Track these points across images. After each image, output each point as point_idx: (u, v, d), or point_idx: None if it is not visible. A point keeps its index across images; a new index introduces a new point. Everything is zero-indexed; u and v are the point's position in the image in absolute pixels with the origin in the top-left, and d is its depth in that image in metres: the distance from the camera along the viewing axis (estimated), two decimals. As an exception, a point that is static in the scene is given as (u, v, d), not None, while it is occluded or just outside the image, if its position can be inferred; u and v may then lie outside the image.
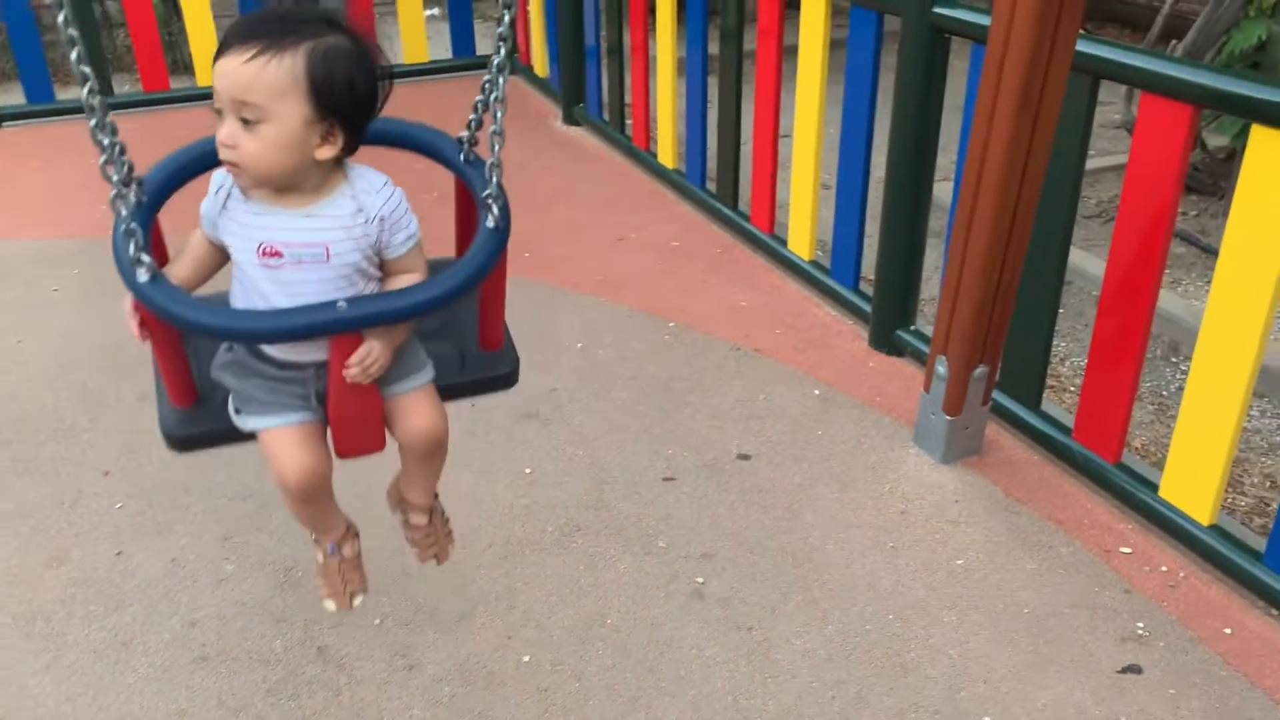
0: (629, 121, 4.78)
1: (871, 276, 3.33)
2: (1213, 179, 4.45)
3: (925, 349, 2.93)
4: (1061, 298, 2.71)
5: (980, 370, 2.60)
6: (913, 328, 3.17)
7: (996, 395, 2.78)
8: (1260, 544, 2.28)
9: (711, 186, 4.19)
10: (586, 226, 4.11)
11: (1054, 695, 2.05)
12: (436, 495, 1.89)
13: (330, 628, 2.21)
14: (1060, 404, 3.17)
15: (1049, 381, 3.23)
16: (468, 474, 2.65)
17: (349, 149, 1.51)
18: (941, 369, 2.62)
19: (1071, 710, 2.02)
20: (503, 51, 1.51)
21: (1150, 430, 3.16)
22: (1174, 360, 3.48)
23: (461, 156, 1.63)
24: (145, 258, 1.41)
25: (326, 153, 1.46)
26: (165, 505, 2.57)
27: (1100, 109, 2.53)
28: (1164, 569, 2.36)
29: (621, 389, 3.06)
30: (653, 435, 2.85)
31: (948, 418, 2.65)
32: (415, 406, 1.65)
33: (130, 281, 1.43)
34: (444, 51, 5.99)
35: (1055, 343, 3.42)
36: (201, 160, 1.56)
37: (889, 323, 3.18)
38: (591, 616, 2.25)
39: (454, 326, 1.84)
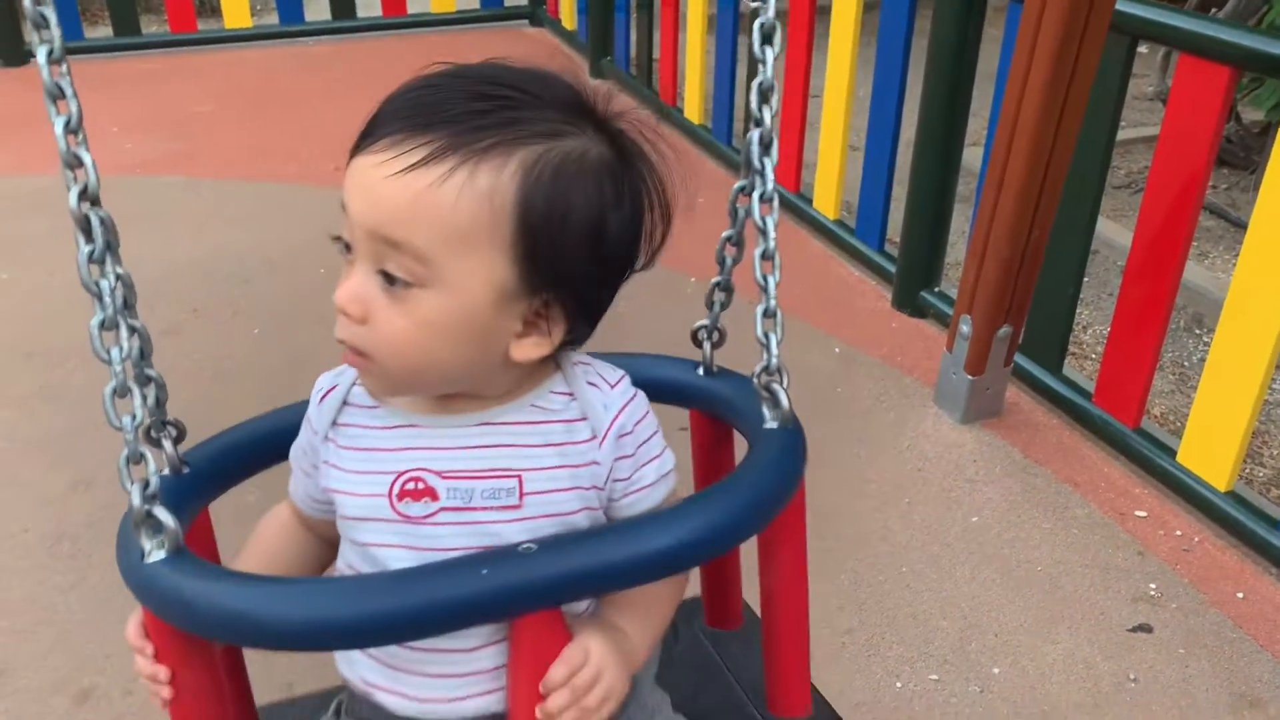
0: (656, 76, 4.76)
1: (896, 239, 3.32)
2: (1245, 152, 4.41)
3: (948, 311, 2.93)
4: (1088, 266, 2.71)
5: (1004, 331, 2.60)
6: (937, 289, 3.16)
7: (1018, 358, 2.78)
8: (1277, 512, 2.29)
9: (738, 144, 4.17)
10: (611, 180, 4.11)
11: (1064, 650, 2.07)
12: None
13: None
14: (1081, 371, 3.17)
15: (1071, 348, 3.23)
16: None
17: (571, 343, 0.92)
18: (965, 328, 2.62)
19: (1080, 665, 2.04)
20: (766, 119, 0.97)
21: (1170, 400, 3.16)
22: (1197, 332, 3.47)
23: (700, 370, 1.11)
24: (166, 519, 0.85)
25: (530, 351, 0.87)
26: (194, 432, 2.60)
27: (1134, 80, 2.52)
28: (1179, 533, 2.37)
29: (641, 343, 3.04)
30: (672, 386, 2.86)
31: (969, 377, 2.65)
32: None
33: (129, 563, 0.86)
34: (472, 1, 5.97)
35: (1079, 310, 3.40)
36: (282, 436, 1.00)
37: (913, 284, 3.18)
38: (608, 558, 2.28)
39: (714, 679, 1.21)
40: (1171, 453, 2.46)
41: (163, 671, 0.87)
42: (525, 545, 0.81)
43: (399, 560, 0.87)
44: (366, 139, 0.82)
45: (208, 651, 0.89)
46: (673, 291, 3.31)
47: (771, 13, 0.96)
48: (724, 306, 1.08)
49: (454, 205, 0.78)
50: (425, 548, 0.86)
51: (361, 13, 5.78)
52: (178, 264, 3.30)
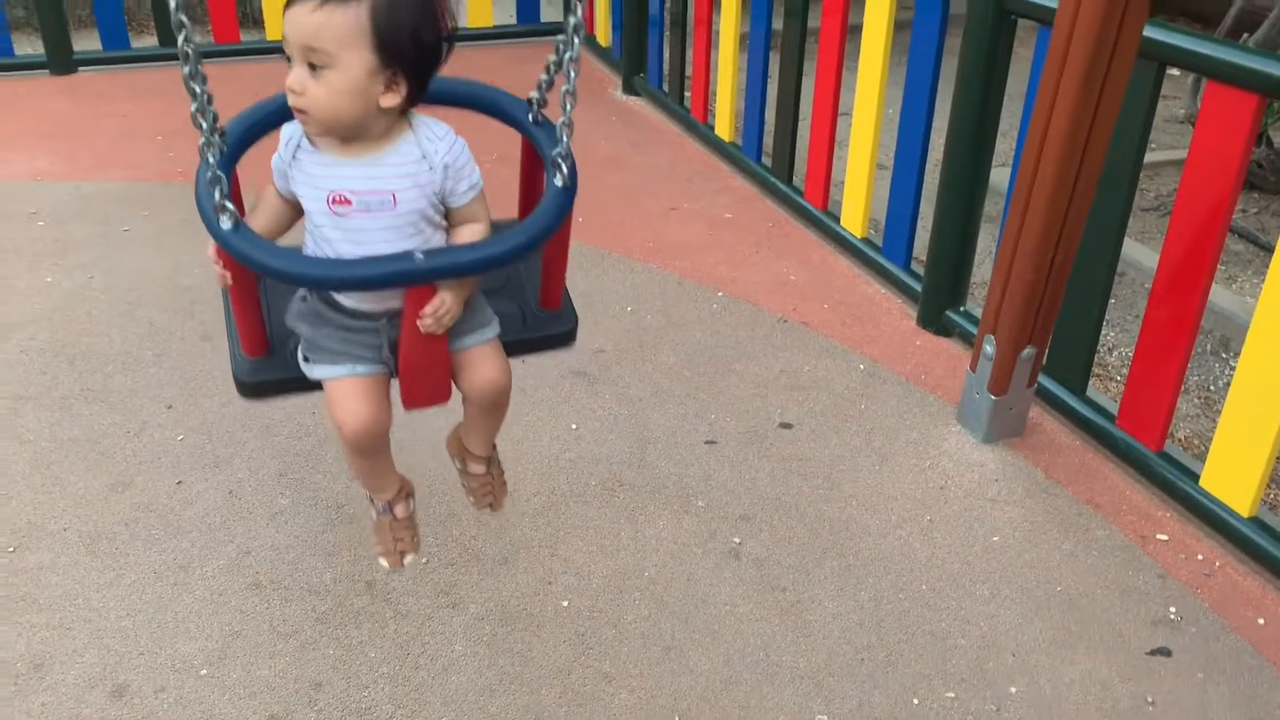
0: (688, 93, 4.81)
1: (923, 257, 3.34)
2: (1275, 177, 4.39)
3: (974, 330, 2.94)
4: (1114, 289, 2.72)
5: (1028, 351, 2.62)
6: (962, 309, 3.18)
7: (1042, 379, 2.79)
8: (1299, 538, 2.29)
9: (767, 161, 4.21)
10: (640, 195, 4.15)
11: (1082, 671, 2.08)
12: (495, 446, 1.95)
13: (378, 564, 2.29)
14: (1105, 393, 3.17)
15: (1096, 370, 3.24)
16: (516, 428, 2.71)
17: (412, 99, 1.53)
18: (989, 348, 2.64)
19: (1098, 687, 2.05)
20: (579, 11, 1.53)
21: (1195, 423, 3.15)
22: (1224, 356, 3.46)
23: (530, 117, 1.65)
24: (229, 205, 1.45)
25: (390, 101, 1.49)
26: (224, 440, 2.67)
27: (1165, 103, 2.54)
28: (1200, 557, 2.37)
29: (668, 354, 3.11)
30: (697, 400, 2.90)
31: (992, 397, 2.67)
32: (482, 359, 1.70)
33: (214, 228, 1.48)
34: (508, 17, 6.04)
35: (1105, 332, 3.42)
36: (280, 113, 1.60)
37: (938, 302, 3.20)
38: (630, 568, 2.31)
39: (516, 285, 1.88)
40: (1195, 477, 2.46)
41: (228, 275, 1.59)
42: (417, 253, 1.48)
43: (334, 234, 1.55)
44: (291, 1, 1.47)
45: (248, 272, 1.60)
46: (700, 306, 3.35)
47: None
48: (548, 87, 1.67)
49: (341, 23, 1.43)
50: (348, 229, 1.55)
51: (399, 26, 5.86)
52: (208, 271, 3.37)
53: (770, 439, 2.75)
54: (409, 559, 1.92)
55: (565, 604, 2.21)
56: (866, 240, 3.63)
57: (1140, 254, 3.83)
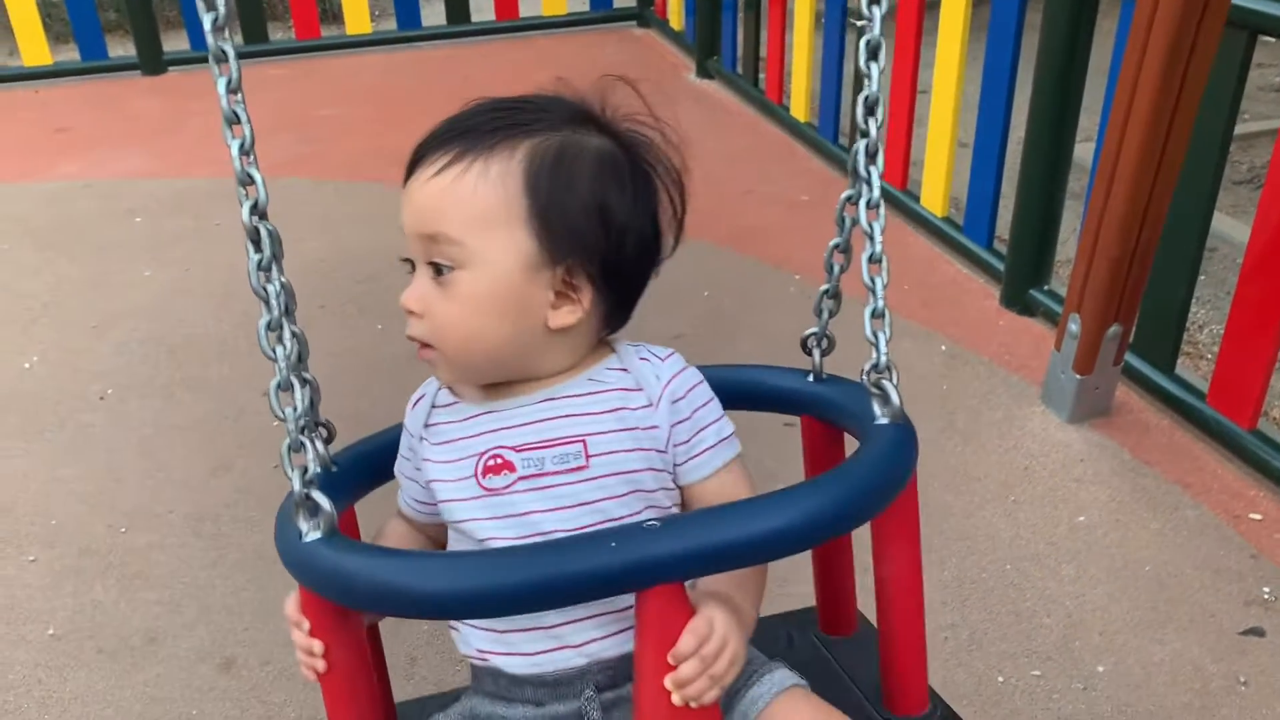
0: (763, 75, 4.80)
1: (1005, 236, 3.30)
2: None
3: (1057, 309, 2.90)
4: (1205, 264, 2.66)
5: (1114, 329, 2.58)
6: (1046, 288, 3.14)
7: (1129, 357, 2.74)
8: (1401, 517, 2.23)
9: (844, 142, 4.19)
10: (716, 179, 4.17)
11: (1171, 651, 2.06)
12: None
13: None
14: (1196, 371, 3.10)
15: (1186, 348, 3.17)
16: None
17: (614, 322, 1.02)
18: (1074, 326, 2.61)
19: (1188, 667, 2.03)
20: (873, 129, 1.03)
21: (1291, 401, 3.07)
22: (1322, 332, 3.36)
23: (810, 377, 1.16)
24: (323, 502, 0.91)
25: (565, 318, 0.97)
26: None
27: (1261, 71, 2.47)
28: (1295, 537, 2.32)
29: (746, 338, 3.12)
30: (777, 382, 2.91)
31: (1078, 376, 2.64)
32: (795, 712, 0.99)
33: (287, 544, 0.92)
34: (582, 4, 6.09)
35: (1195, 309, 3.34)
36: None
37: (1022, 281, 3.16)
38: (712, 549, 2.34)
39: (830, 681, 1.18)
40: (1290, 455, 2.41)
41: (317, 645, 0.94)
42: (650, 523, 0.85)
43: (486, 530, 0.97)
44: (410, 169, 0.99)
45: (358, 629, 0.97)
46: (778, 290, 3.36)
47: (878, 29, 1.02)
48: (832, 314, 1.14)
49: (473, 192, 0.93)
50: (506, 515, 0.96)
51: (475, 17, 5.95)
52: (305, 262, 3.49)
53: (850, 420, 2.75)
54: None
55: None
56: (947, 219, 3.60)
57: (1232, 228, 3.73)
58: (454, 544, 1.04)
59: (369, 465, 1.10)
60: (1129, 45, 2.29)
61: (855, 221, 1.07)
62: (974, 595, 2.20)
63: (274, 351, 0.95)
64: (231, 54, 0.92)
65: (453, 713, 1.06)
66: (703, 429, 1.01)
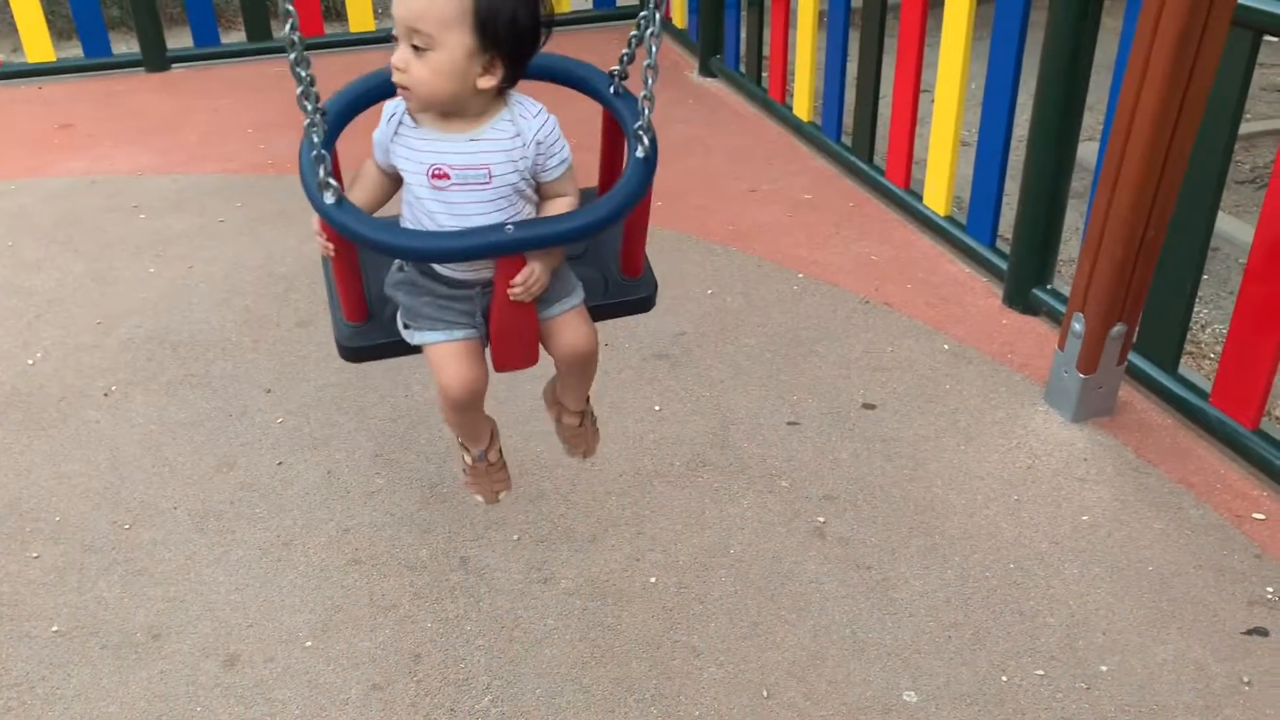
0: (765, 74, 4.79)
1: (1008, 235, 3.30)
2: (1381, 146, 4.23)
3: (1061, 309, 2.91)
4: (1208, 264, 2.66)
5: (1118, 329, 2.58)
6: (1049, 287, 3.14)
7: (1132, 357, 2.75)
8: (1404, 517, 2.23)
9: (847, 140, 4.19)
10: (719, 177, 4.17)
11: (1174, 651, 2.06)
12: (589, 399, 2.05)
13: (471, 540, 2.36)
14: (1199, 370, 3.11)
15: (1189, 348, 3.18)
16: (600, 407, 2.74)
17: (509, 81, 1.60)
18: (1078, 326, 2.61)
19: (1191, 667, 2.03)
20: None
21: (1294, 401, 3.07)
22: (1325, 332, 3.36)
23: (611, 90, 1.70)
24: (332, 182, 1.54)
25: (487, 83, 1.56)
26: (321, 422, 2.76)
27: (1262, 71, 2.48)
28: (1299, 537, 2.32)
29: (749, 335, 3.13)
30: (778, 381, 2.91)
31: (1081, 376, 2.64)
32: (569, 326, 1.78)
33: (318, 203, 1.56)
34: (585, 1, 6.08)
35: (1198, 309, 3.34)
36: (378, 90, 1.67)
37: (1025, 280, 3.16)
38: (715, 546, 2.35)
39: (598, 253, 1.95)
40: (1293, 455, 2.41)
41: (331, 246, 1.67)
42: (508, 226, 1.56)
43: (431, 208, 1.63)
44: None
45: (349, 246, 1.69)
46: (781, 287, 3.36)
47: None
48: (629, 61, 1.71)
49: (444, 8, 1.50)
50: (443, 201, 1.63)
51: (478, 14, 5.94)
52: (310, 259, 3.49)
53: (853, 420, 2.75)
54: (503, 495, 2.07)
55: (653, 580, 2.26)
56: (950, 218, 3.60)
57: (1235, 229, 3.73)
58: (406, 198, 1.68)
59: (346, 113, 1.65)
60: (1135, 44, 2.29)
61: (643, 39, 1.64)
62: (977, 594, 2.20)
63: (300, 74, 1.51)
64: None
65: (402, 276, 1.76)
66: (552, 156, 1.65)
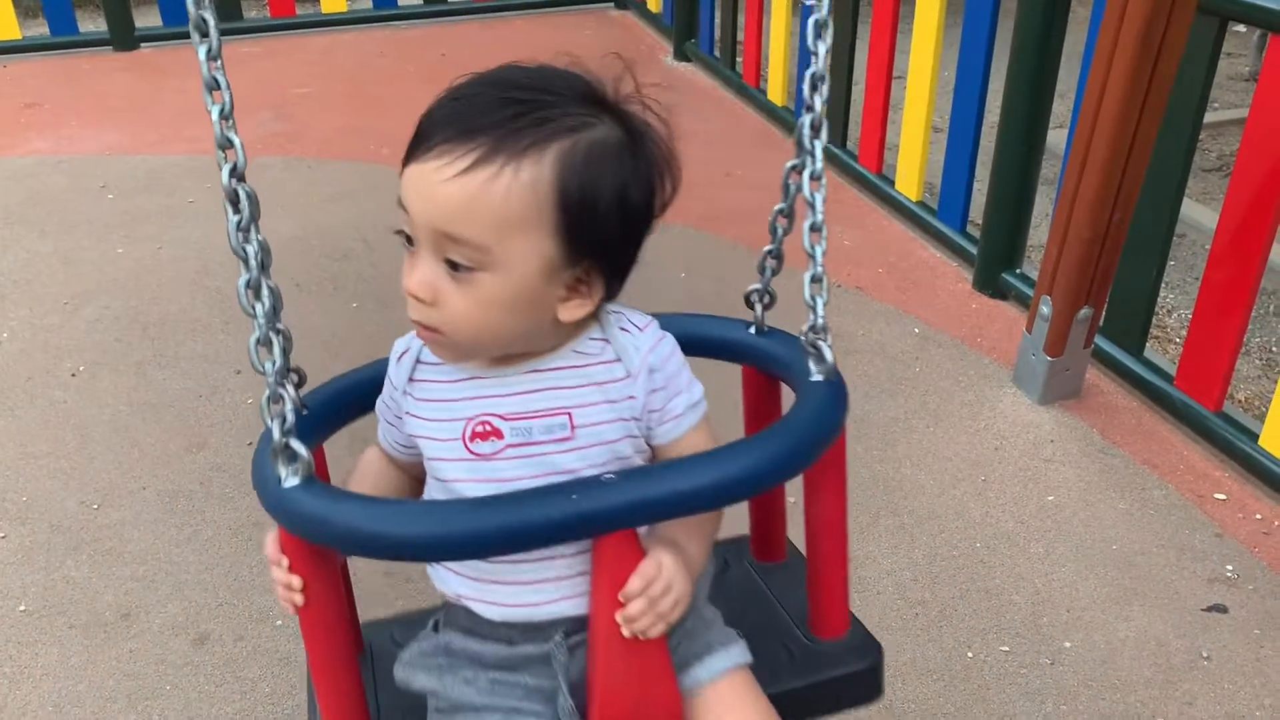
0: (740, 59, 4.80)
1: (979, 220, 3.33)
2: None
3: (1029, 293, 2.94)
4: (1174, 250, 2.70)
5: (1084, 312, 2.61)
6: (1018, 271, 3.17)
7: (1099, 340, 2.78)
8: (1361, 497, 2.27)
9: (820, 126, 4.20)
10: (694, 162, 4.12)
11: (1136, 627, 2.10)
12: None
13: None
14: (1164, 355, 3.15)
15: (1155, 332, 3.22)
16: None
17: (608, 299, 1.03)
18: (1045, 309, 2.64)
19: (1153, 642, 2.06)
20: (819, 104, 1.09)
21: (1256, 385, 3.12)
22: (1287, 318, 3.42)
23: (752, 329, 1.22)
24: (300, 450, 0.93)
25: (574, 313, 0.99)
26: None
27: (1229, 61, 2.51)
28: (1258, 516, 2.37)
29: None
30: (752, 363, 2.93)
31: (1048, 358, 2.67)
32: (735, 701, 1.05)
33: (269, 489, 0.94)
34: (559, -15, 6.07)
35: (1164, 295, 3.39)
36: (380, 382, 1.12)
37: (994, 265, 3.19)
38: (687, 526, 2.36)
39: (762, 600, 1.29)
40: (1254, 436, 2.45)
41: (296, 580, 0.98)
42: (607, 475, 0.93)
43: (472, 492, 1.00)
44: (417, 148, 0.94)
45: (332, 565, 1.01)
46: (754, 270, 3.38)
47: (825, 10, 1.08)
48: (774, 273, 1.20)
49: (505, 199, 0.91)
50: (492, 479, 1.00)
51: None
52: (280, 240, 3.47)
53: (824, 401, 2.77)
54: None
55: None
56: (921, 204, 3.63)
57: (1201, 215, 3.78)
58: (431, 490, 1.09)
59: (337, 407, 1.15)
60: (1102, 30, 2.32)
61: (799, 189, 1.11)
62: (944, 572, 2.23)
63: (253, 308, 0.95)
64: (212, 22, 0.93)
65: (427, 646, 1.11)
66: (675, 396, 1.05)
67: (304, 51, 5.34)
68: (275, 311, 0.96)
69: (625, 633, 0.95)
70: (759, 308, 1.20)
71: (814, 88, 1.08)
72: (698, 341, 1.18)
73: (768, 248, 1.18)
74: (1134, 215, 2.52)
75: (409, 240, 0.98)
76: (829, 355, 1.08)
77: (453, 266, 0.94)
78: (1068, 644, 2.07)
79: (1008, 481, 2.49)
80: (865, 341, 3.02)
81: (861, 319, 3.13)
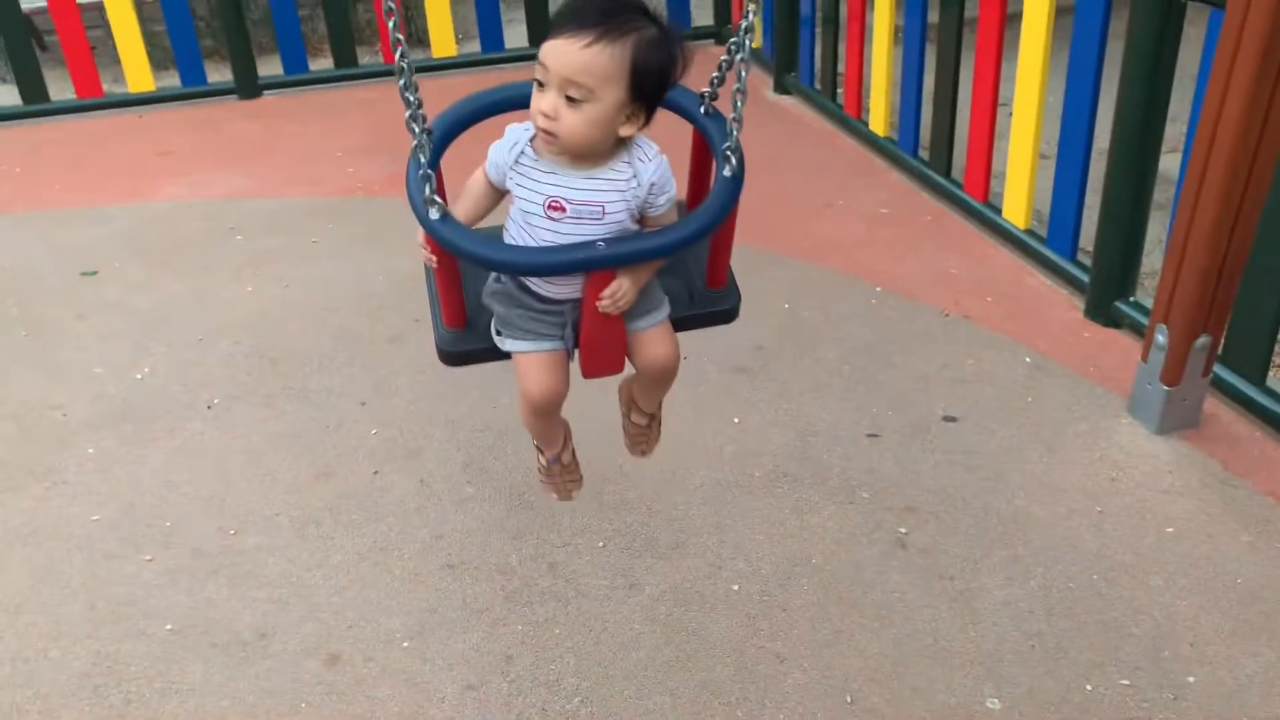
0: (840, 90, 4.83)
1: (1089, 248, 3.29)
2: None
3: (1144, 321, 2.89)
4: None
5: (1202, 340, 2.56)
6: (1132, 299, 3.12)
7: (1219, 369, 2.72)
8: None
9: (924, 155, 4.20)
10: (795, 193, 4.21)
11: (1264, 663, 2.05)
12: (660, 405, 2.12)
13: (559, 547, 2.44)
14: (1288, 383, 3.06)
15: (1278, 360, 3.13)
16: (680, 420, 2.82)
17: (644, 126, 1.66)
18: (1161, 338, 2.60)
19: (1282, 679, 2.01)
20: (750, 14, 1.64)
21: (1389, 414, 3.01)
22: None
23: (702, 110, 1.76)
24: (437, 199, 1.62)
25: (628, 131, 1.62)
26: (414, 434, 2.87)
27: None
28: (1394, 550, 2.29)
29: (827, 349, 3.16)
30: (857, 394, 2.95)
31: (1165, 388, 2.63)
32: (654, 339, 1.85)
33: (423, 219, 1.65)
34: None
35: (1286, 320, 3.29)
36: (482, 110, 1.75)
37: (1107, 293, 3.15)
38: (796, 555, 2.39)
39: (683, 267, 2.01)
40: (1387, 467, 2.37)
41: (434, 259, 1.70)
42: (599, 242, 1.63)
43: (544, 235, 1.68)
44: (556, 31, 1.56)
45: (451, 258, 1.72)
46: (859, 300, 3.39)
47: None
48: (720, 83, 1.76)
49: (606, 63, 1.54)
50: (556, 231, 1.67)
51: (555, 37, 6.07)
52: (400, 278, 3.62)
53: (934, 432, 2.77)
54: (576, 493, 2.15)
55: (736, 588, 2.31)
56: (1030, 231, 3.60)
57: (1325, 238, 3.66)
58: (513, 215, 1.73)
59: (449, 134, 1.72)
60: (1218, 54, 2.29)
61: (733, 63, 1.68)
62: (1060, 605, 2.21)
63: (408, 97, 1.58)
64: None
65: (497, 286, 1.83)
66: (661, 195, 1.70)
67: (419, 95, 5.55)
68: (421, 104, 1.60)
69: (599, 309, 1.70)
70: (708, 100, 1.76)
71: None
72: (674, 105, 1.75)
73: (714, 74, 1.74)
74: (1254, 241, 2.47)
75: (539, 84, 1.58)
76: (734, 165, 1.66)
77: (570, 100, 1.55)
78: (1191, 679, 2.03)
79: (1125, 513, 2.45)
80: (975, 371, 3.01)
81: (971, 348, 3.12)
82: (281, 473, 2.75)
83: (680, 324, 1.90)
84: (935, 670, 2.08)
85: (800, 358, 3.12)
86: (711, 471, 2.67)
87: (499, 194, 1.79)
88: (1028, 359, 3.05)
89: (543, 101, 1.57)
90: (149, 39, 5.68)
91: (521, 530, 2.49)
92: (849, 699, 2.04)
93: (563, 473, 2.11)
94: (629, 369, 1.91)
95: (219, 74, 6.03)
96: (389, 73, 5.94)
